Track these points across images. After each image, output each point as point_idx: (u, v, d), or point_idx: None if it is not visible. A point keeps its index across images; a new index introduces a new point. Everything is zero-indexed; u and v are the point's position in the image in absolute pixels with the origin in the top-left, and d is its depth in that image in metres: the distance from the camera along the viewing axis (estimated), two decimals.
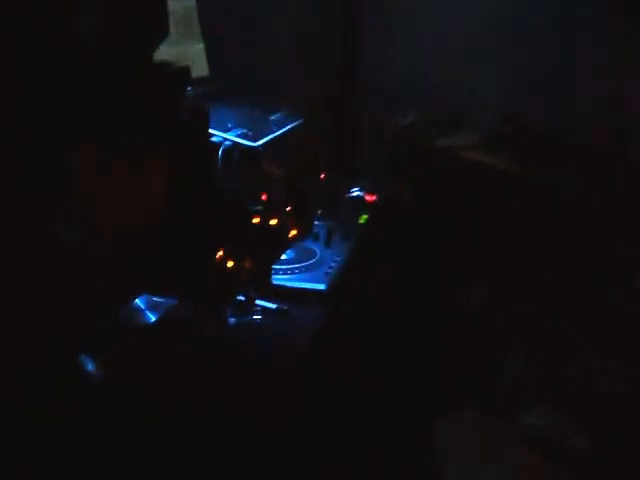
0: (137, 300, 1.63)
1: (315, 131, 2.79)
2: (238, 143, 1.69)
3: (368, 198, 2.47)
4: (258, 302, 1.67)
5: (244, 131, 1.77)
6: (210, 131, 1.70)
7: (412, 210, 2.75)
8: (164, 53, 1.85)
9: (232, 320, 1.62)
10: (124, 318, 1.58)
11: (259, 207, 2.19)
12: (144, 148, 1.24)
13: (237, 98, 2.11)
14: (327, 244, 1.94)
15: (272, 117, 1.97)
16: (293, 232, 2.04)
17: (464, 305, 2.76)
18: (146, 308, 1.63)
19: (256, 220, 2.07)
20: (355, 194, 2.48)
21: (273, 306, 1.65)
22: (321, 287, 1.70)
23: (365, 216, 2.20)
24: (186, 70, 1.22)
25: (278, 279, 1.74)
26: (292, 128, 1.95)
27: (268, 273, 1.77)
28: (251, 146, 1.69)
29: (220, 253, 1.76)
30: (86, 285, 1.45)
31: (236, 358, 1.48)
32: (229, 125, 1.78)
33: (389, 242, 2.29)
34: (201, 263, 1.72)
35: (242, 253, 1.81)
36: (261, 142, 1.71)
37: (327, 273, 1.76)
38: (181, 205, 1.61)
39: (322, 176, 2.78)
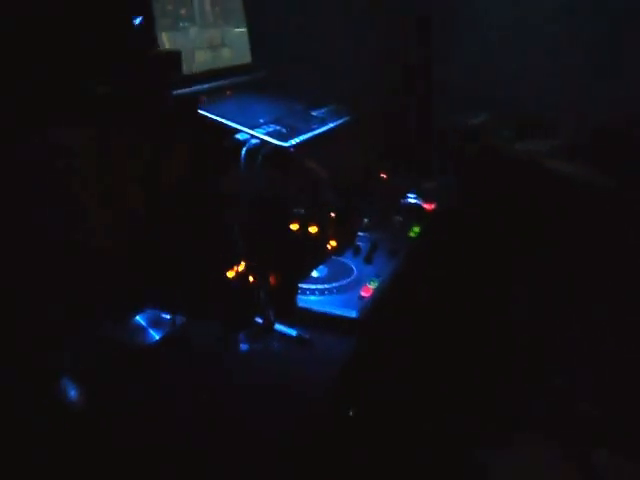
0: (138, 317, 1.44)
1: (371, 129, 2.54)
2: (266, 142, 1.47)
3: (426, 206, 2.20)
4: (277, 326, 1.44)
5: (277, 128, 1.54)
6: (236, 126, 1.49)
7: (477, 216, 2.47)
8: (193, 36, 1.65)
9: (244, 347, 1.39)
10: (121, 336, 1.39)
11: (301, 210, 1.98)
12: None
13: (281, 89, 1.89)
14: (368, 260, 1.69)
15: (315, 112, 1.73)
16: (332, 243, 1.81)
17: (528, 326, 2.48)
18: (149, 325, 1.43)
19: (294, 226, 1.86)
20: (412, 201, 2.22)
21: (293, 333, 1.42)
22: (352, 314, 1.45)
23: (417, 229, 1.93)
24: (173, 57, 1.00)
25: (304, 300, 1.51)
26: (337, 126, 1.71)
27: (293, 292, 1.54)
28: (280, 146, 1.46)
29: (241, 266, 1.55)
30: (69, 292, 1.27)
31: (239, 396, 1.26)
32: (261, 120, 1.56)
33: (446, 255, 2.02)
34: (215, 276, 1.52)
35: (269, 266, 1.59)
36: (293, 142, 1.48)
37: (362, 297, 1.51)
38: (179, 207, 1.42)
39: (384, 176, 2.54)
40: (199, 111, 1.50)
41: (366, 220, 1.94)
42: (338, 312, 1.46)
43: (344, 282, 1.57)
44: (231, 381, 1.31)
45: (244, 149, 1.44)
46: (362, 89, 2.40)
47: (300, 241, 1.80)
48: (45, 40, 1.06)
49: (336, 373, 1.34)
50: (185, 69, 1.60)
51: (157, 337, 1.42)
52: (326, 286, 1.54)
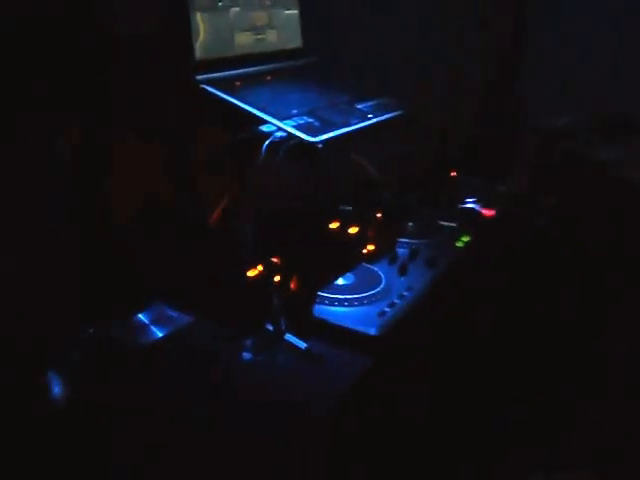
0: (141, 314, 1.36)
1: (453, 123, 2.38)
2: (293, 135, 1.35)
3: (485, 212, 2.03)
4: (287, 337, 1.33)
5: (310, 121, 1.42)
6: (262, 116, 1.38)
7: (548, 225, 2.27)
8: (233, 17, 1.54)
9: (247, 356, 1.29)
10: (121, 333, 1.32)
11: (347, 207, 1.86)
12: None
13: (334, 77, 1.76)
14: (402, 271, 1.55)
15: (360, 105, 1.59)
16: (370, 247, 1.68)
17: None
18: (151, 322, 1.35)
19: (334, 225, 1.74)
20: (469, 206, 2.05)
21: (302, 345, 1.30)
22: (370, 331, 1.32)
23: (466, 238, 1.77)
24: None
25: (321, 310, 1.39)
26: (380, 122, 1.57)
27: (311, 301, 1.43)
28: (307, 141, 1.34)
29: (260, 267, 1.45)
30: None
31: (232, 409, 1.16)
32: (294, 111, 1.44)
33: (494, 268, 1.83)
34: (232, 274, 1.42)
35: (293, 268, 1.48)
36: (324, 137, 1.35)
37: (384, 313, 1.38)
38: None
39: (453, 174, 2.40)
40: (224, 97, 1.40)
41: (411, 224, 1.79)
42: (355, 327, 1.34)
43: (369, 293, 1.43)
44: (227, 391, 1.21)
45: (266, 142, 1.32)
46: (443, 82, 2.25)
47: (336, 243, 1.68)
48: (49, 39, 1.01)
49: (344, 391, 1.22)
50: (222, 52, 1.51)
51: (160, 335, 1.34)
52: (347, 297, 1.41)
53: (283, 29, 1.69)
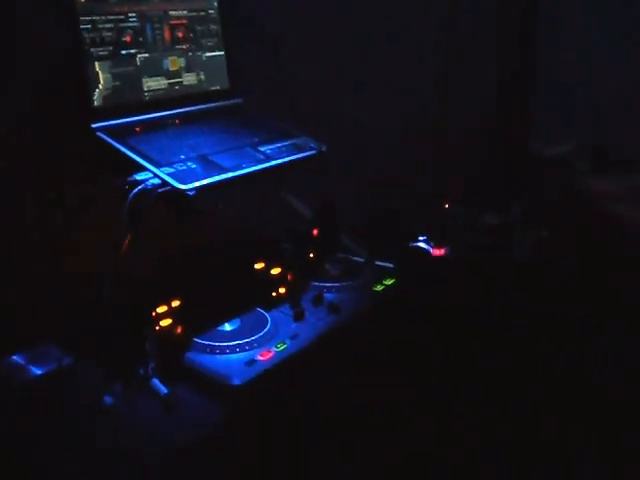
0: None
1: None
2: (167, 183, 1.37)
3: (435, 252, 1.96)
4: (153, 381, 1.35)
5: (193, 167, 1.44)
6: (142, 163, 1.40)
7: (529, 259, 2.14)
8: (140, 63, 1.57)
9: (108, 400, 1.32)
10: None
11: (286, 246, 1.86)
12: None
13: (261, 118, 1.76)
14: (299, 316, 1.52)
15: (267, 147, 1.59)
16: (281, 290, 1.67)
17: None
18: (28, 362, 1.41)
19: (259, 266, 1.74)
20: (420, 245, 1.99)
21: (163, 391, 1.31)
22: (231, 381, 1.31)
23: (390, 280, 1.71)
24: None
25: (193, 357, 1.39)
26: (285, 163, 1.55)
27: (185, 346, 1.43)
28: (177, 188, 1.35)
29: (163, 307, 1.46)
30: None
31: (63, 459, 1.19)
32: (181, 157, 1.46)
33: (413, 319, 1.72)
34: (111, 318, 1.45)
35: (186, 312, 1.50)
36: (195, 184, 1.36)
37: (254, 362, 1.36)
38: None
39: (446, 206, 2.35)
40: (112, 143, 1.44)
41: (328, 266, 1.75)
42: (216, 374, 1.33)
43: (245, 340, 1.42)
44: (70, 436, 1.24)
45: (134, 191, 1.35)
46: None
47: (246, 284, 1.67)
48: None
49: (188, 439, 1.23)
50: (127, 99, 1.56)
51: (37, 373, 1.39)
52: (221, 344, 1.40)
53: (204, 71, 1.72)
